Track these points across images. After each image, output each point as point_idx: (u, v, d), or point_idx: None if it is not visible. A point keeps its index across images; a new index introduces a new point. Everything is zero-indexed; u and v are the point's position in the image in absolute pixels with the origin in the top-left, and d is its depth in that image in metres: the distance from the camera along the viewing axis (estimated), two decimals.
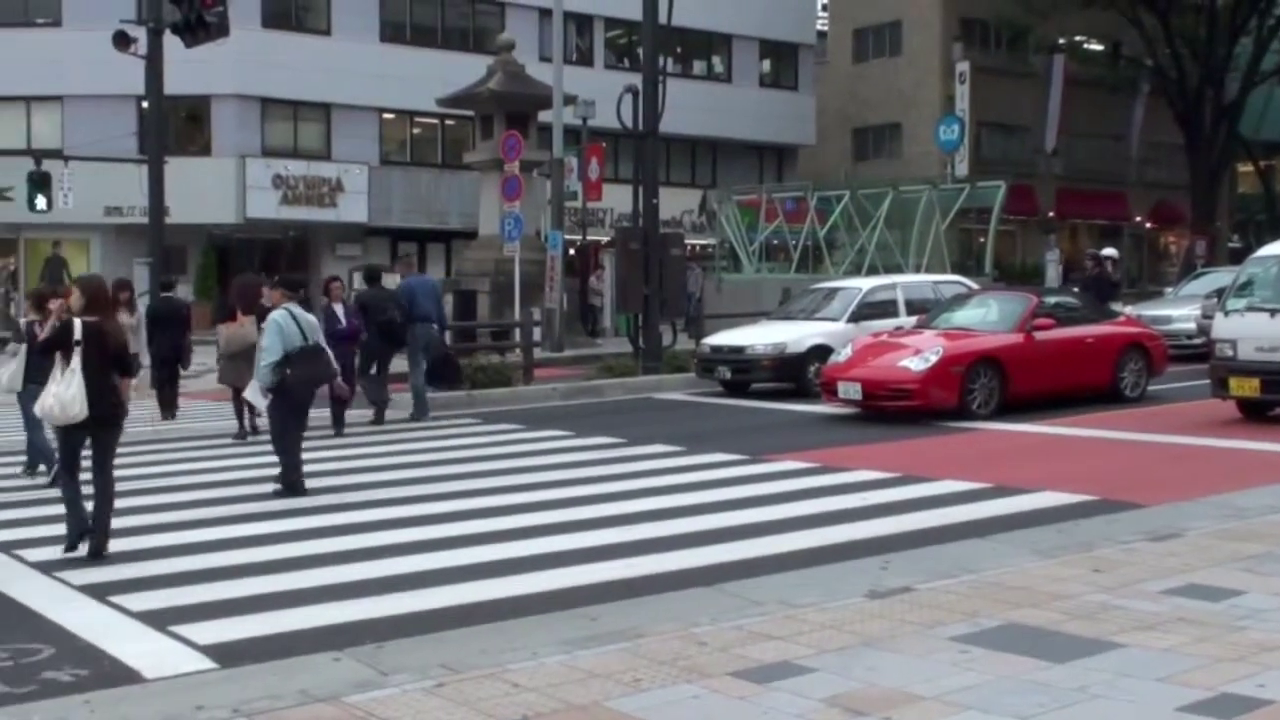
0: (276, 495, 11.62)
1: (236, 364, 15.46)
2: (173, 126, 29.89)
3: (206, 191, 34.33)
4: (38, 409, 9.76)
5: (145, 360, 16.42)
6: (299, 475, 11.77)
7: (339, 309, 16.14)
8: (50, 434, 11.23)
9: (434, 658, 6.28)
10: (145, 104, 25.38)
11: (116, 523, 9.67)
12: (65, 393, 9.14)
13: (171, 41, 22.73)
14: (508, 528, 9.86)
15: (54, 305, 10.65)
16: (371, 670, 6.18)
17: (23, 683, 6.30)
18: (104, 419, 9.34)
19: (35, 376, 11.55)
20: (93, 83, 34.10)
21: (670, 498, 10.94)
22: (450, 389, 17.72)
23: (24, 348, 12.63)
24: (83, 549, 9.17)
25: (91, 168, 29.52)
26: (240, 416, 15.97)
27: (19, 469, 13.24)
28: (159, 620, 7.34)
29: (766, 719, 5.17)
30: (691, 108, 37.45)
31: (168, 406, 17.48)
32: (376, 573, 8.45)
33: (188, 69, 26.58)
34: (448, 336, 19.76)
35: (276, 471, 11.79)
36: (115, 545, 9.35)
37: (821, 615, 6.67)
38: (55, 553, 9.22)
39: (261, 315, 13.43)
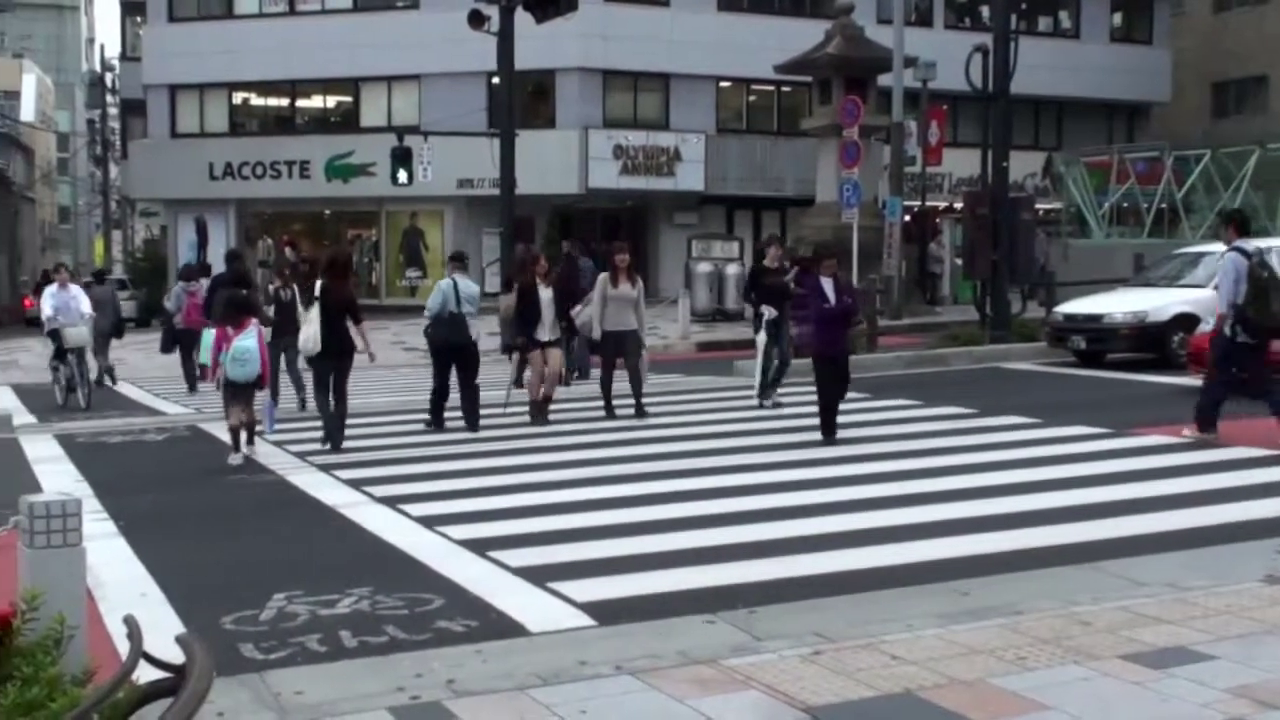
0: (427, 428, 14.17)
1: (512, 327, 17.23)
2: (520, 101, 30.86)
3: (551, 163, 35.33)
4: (299, 344, 13.42)
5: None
6: (435, 413, 14.29)
7: (828, 284, 12.96)
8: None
9: (807, 625, 6.31)
10: (495, 80, 26.34)
11: (492, 481, 10.79)
12: (307, 331, 12.95)
13: (519, 18, 23.53)
14: (865, 497, 9.81)
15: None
16: (745, 635, 6.27)
17: (419, 630, 6.66)
18: (338, 352, 12.95)
19: (283, 329, 15.35)
20: (447, 61, 35.66)
21: (1031, 470, 10.63)
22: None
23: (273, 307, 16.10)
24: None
25: (445, 142, 30.78)
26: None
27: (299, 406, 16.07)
28: (537, 576, 7.61)
29: (1167, 707, 4.96)
30: (1037, 66, 36.00)
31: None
32: (741, 537, 8.52)
33: (534, 45, 27.44)
34: None
35: (632, 434, 12.23)
36: (489, 503, 9.86)
37: (1215, 599, 6.36)
38: (433, 507, 9.74)
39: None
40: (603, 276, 14.94)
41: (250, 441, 12.66)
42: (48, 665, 3.77)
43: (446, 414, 14.44)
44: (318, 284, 13.11)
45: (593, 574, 7.66)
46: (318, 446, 12.99)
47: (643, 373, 14.89)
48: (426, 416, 14.44)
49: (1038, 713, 4.97)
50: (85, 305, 18.59)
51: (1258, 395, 12.09)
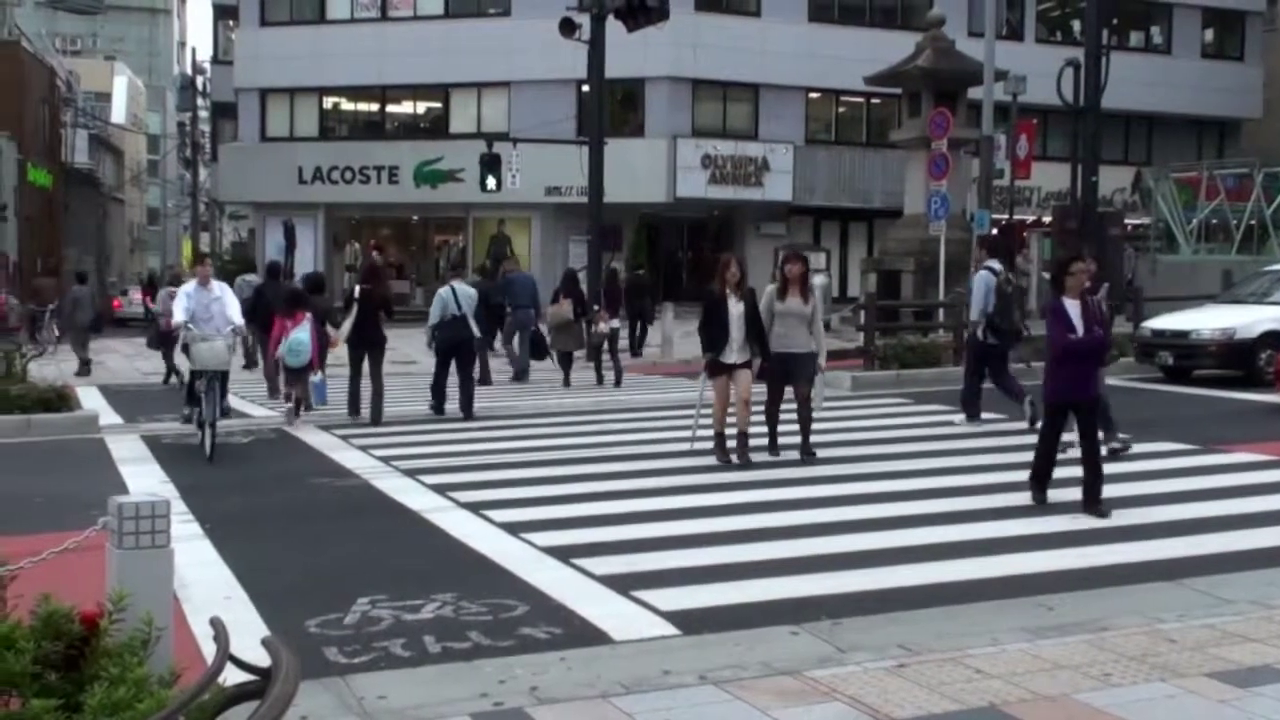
0: (430, 415, 15.96)
1: (561, 335, 20.06)
2: (609, 109, 30.97)
3: (639, 171, 35.41)
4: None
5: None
6: (439, 402, 16.13)
7: (1074, 308, 9.71)
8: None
9: (890, 637, 6.31)
10: (585, 88, 26.48)
11: (575, 488, 10.85)
12: (344, 326, 15.52)
13: (610, 27, 23.65)
14: (950, 510, 9.76)
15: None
16: (829, 646, 6.27)
17: (503, 636, 6.71)
18: (371, 343, 15.41)
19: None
20: (537, 68, 35.88)
21: (1118, 486, 10.46)
22: (539, 360, 20.47)
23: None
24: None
25: (533, 150, 30.99)
26: (566, 371, 20.21)
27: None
28: (621, 585, 7.65)
29: None
30: (1128, 81, 35.65)
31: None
32: (825, 549, 8.52)
33: (624, 53, 27.55)
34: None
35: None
36: (573, 510, 9.95)
37: None
38: (518, 514, 9.80)
39: (579, 300, 20.27)
40: (769, 289, 12.62)
41: (298, 414, 15.33)
42: (135, 666, 3.79)
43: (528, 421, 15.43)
44: (357, 288, 15.74)
45: (677, 583, 7.68)
46: (401, 452, 13.14)
47: (817, 404, 12.85)
48: (431, 403, 16.28)
49: None
50: (234, 311, 14.29)
51: (998, 384, 14.40)
